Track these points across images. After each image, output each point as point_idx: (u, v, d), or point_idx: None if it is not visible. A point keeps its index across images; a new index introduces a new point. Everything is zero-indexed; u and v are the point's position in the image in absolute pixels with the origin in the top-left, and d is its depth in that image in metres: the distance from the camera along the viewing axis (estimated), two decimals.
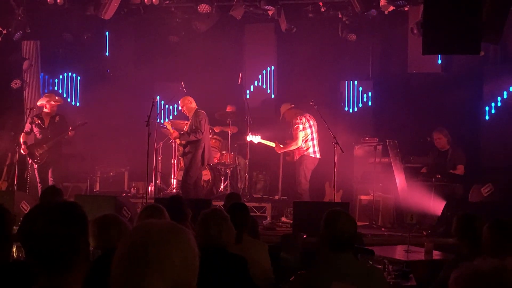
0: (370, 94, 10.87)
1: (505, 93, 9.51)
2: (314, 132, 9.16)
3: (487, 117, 9.63)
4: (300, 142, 9.15)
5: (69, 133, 9.23)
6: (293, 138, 9.22)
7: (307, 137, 9.17)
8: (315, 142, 9.16)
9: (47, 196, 5.76)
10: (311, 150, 9.16)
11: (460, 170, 8.70)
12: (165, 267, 1.48)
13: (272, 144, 9.49)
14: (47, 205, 1.98)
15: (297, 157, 9.27)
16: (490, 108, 9.63)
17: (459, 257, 4.04)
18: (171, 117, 11.55)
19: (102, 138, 10.96)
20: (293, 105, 9.39)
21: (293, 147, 9.24)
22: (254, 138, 9.64)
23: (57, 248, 1.85)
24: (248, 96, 10.73)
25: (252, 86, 11.32)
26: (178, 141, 9.29)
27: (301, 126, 9.12)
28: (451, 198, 8.47)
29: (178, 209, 5.10)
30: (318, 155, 9.15)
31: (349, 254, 3.16)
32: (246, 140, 9.97)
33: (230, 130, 10.36)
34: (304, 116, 9.07)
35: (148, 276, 1.47)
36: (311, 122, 9.14)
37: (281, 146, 9.39)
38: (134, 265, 1.48)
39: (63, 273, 1.86)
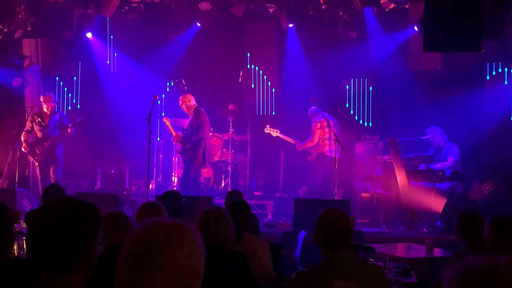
0: (371, 91, 10.86)
1: (506, 90, 9.51)
2: (331, 132, 9.07)
3: (488, 114, 9.63)
4: (316, 139, 9.34)
5: (69, 130, 9.26)
6: (311, 135, 9.41)
7: (324, 136, 9.27)
8: (332, 142, 9.12)
9: (49, 194, 5.76)
10: (327, 148, 9.28)
11: (449, 161, 8.76)
12: (170, 266, 1.48)
13: (291, 141, 9.64)
14: (63, 202, 1.95)
15: (314, 154, 9.41)
16: (491, 105, 9.62)
17: (459, 254, 4.04)
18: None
19: (103, 136, 10.98)
20: (316, 107, 9.37)
21: (310, 144, 9.42)
22: (272, 132, 9.75)
23: (62, 247, 1.85)
24: (249, 94, 10.73)
25: (253, 84, 11.32)
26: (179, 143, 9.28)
27: (319, 125, 9.28)
28: (452, 195, 8.48)
29: (174, 204, 5.13)
30: (334, 154, 9.03)
31: (349, 252, 3.17)
32: (246, 139, 9.99)
33: (231, 128, 10.37)
34: (324, 116, 9.06)
35: (153, 275, 1.46)
36: (331, 123, 9.07)
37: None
38: (139, 264, 1.48)
39: (65, 273, 1.86)
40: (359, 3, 9.48)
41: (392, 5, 9.57)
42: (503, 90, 9.57)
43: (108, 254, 3.28)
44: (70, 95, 11.60)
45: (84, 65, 11.60)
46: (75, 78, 11.61)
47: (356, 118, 10.85)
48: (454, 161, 8.80)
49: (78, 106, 11.48)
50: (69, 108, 11.43)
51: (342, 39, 10.59)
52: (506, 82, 9.58)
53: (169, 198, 5.41)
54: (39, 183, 9.33)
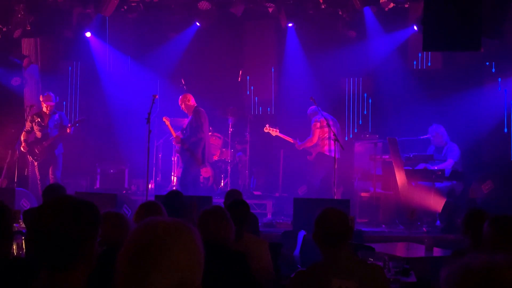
0: (370, 90, 10.85)
1: (505, 89, 9.51)
2: (331, 131, 9.03)
3: (487, 113, 9.63)
4: (316, 139, 9.31)
5: (68, 130, 9.25)
6: (310, 134, 9.38)
7: (324, 135, 9.25)
8: (332, 141, 9.09)
9: (50, 193, 5.75)
10: (326, 148, 9.27)
11: (448, 163, 8.75)
12: (170, 265, 1.48)
13: (291, 140, 9.62)
14: (63, 201, 1.95)
15: (314, 154, 9.39)
16: (490, 104, 9.62)
17: (458, 251, 4.04)
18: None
19: (102, 135, 10.97)
20: (315, 107, 9.35)
21: (309, 143, 9.39)
22: (272, 131, 9.74)
23: (61, 246, 1.85)
24: (248, 93, 10.73)
25: (252, 83, 11.31)
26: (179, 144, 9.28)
27: (318, 124, 9.25)
28: (451, 195, 8.48)
29: (177, 204, 5.12)
30: (333, 154, 9.00)
31: (349, 251, 3.16)
32: (246, 138, 9.98)
33: (230, 127, 10.36)
34: (323, 115, 9.04)
35: (153, 273, 1.47)
36: (330, 122, 9.04)
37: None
38: (139, 263, 1.48)
39: (64, 272, 1.86)
40: (358, 3, 9.47)
41: (392, 5, 9.57)
42: (502, 89, 9.56)
43: (107, 254, 3.28)
44: (69, 94, 11.59)
45: (83, 65, 11.58)
46: (74, 78, 11.60)
47: (356, 117, 10.83)
48: (453, 162, 8.78)
49: (77, 106, 11.48)
50: (68, 106, 11.42)
51: (341, 38, 10.59)
52: (505, 81, 9.58)
53: (172, 198, 5.41)
54: (38, 182, 9.32)
